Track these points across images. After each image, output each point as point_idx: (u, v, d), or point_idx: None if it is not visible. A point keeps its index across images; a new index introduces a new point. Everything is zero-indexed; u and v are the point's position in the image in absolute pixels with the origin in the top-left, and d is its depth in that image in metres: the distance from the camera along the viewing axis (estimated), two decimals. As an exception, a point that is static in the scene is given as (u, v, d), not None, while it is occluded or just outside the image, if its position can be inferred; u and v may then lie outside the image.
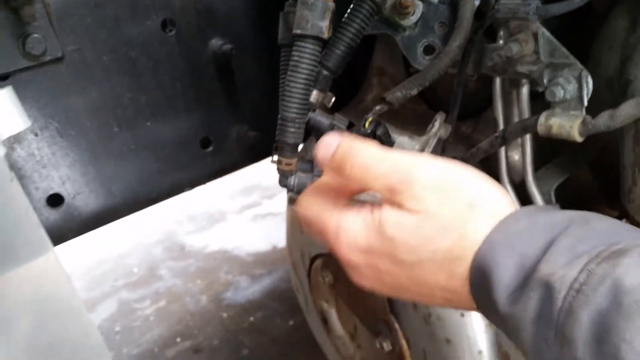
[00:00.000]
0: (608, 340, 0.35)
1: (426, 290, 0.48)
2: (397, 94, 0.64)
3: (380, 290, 0.52)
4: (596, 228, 0.41)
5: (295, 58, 0.65)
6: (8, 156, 0.78)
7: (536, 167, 0.77)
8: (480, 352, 0.82)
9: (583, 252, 0.39)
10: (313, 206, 0.52)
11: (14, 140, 0.87)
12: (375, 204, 0.48)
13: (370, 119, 0.65)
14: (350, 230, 0.49)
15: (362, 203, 0.50)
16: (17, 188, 0.52)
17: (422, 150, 0.79)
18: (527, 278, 0.40)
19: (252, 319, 2.16)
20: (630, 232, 0.41)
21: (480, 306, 0.45)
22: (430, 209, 0.44)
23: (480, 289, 0.44)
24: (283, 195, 1.22)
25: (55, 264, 0.58)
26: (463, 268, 0.45)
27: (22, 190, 0.54)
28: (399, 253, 0.46)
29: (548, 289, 0.39)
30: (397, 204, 0.46)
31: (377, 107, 0.66)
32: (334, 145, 0.48)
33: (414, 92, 0.65)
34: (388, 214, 0.46)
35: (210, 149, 1.05)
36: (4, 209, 0.51)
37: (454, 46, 0.64)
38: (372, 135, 0.67)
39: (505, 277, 0.41)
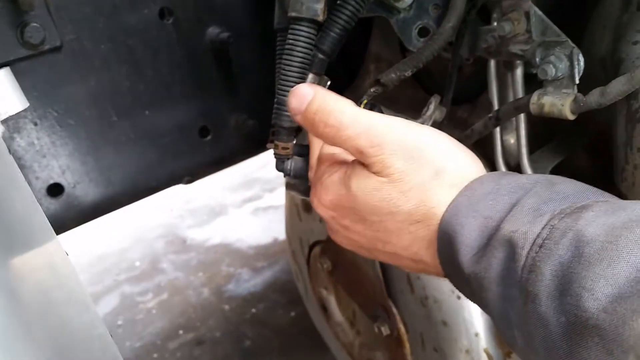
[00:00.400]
0: (570, 291, 0.34)
1: (392, 249, 0.49)
2: (391, 76, 0.65)
3: (355, 249, 0.53)
4: (561, 190, 0.41)
5: (290, 41, 0.65)
6: (7, 142, 0.79)
7: (532, 152, 0.78)
8: (477, 334, 0.83)
9: (547, 211, 0.38)
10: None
11: (14, 130, 0.88)
12: (350, 162, 0.49)
13: (364, 101, 0.65)
14: (324, 184, 0.50)
15: (343, 161, 0.51)
16: (17, 170, 0.53)
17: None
18: (490, 238, 0.40)
19: (253, 310, 2.17)
20: (596, 194, 0.41)
21: (446, 271, 0.46)
22: (395, 176, 0.45)
23: (446, 253, 0.44)
24: (284, 188, 1.22)
25: (60, 252, 0.58)
26: (426, 232, 0.45)
27: (21, 174, 0.55)
28: (361, 210, 0.48)
29: (511, 247, 0.38)
30: (366, 166, 0.47)
31: (372, 89, 0.66)
32: (308, 96, 0.48)
33: (408, 73, 0.65)
34: (356, 171, 0.47)
35: (209, 137, 1.05)
36: (6, 191, 0.51)
37: (448, 27, 0.64)
38: None
39: (469, 238, 0.41)
